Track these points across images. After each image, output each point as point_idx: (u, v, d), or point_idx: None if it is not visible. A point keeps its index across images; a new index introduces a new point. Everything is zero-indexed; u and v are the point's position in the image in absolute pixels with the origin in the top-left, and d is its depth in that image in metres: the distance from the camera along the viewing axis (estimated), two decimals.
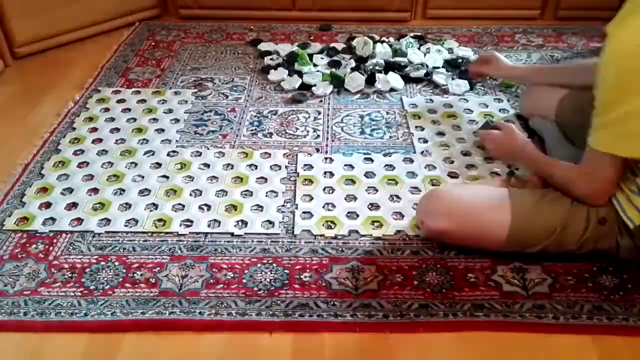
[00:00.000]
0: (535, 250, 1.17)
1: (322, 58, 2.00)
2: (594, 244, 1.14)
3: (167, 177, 1.46)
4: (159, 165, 1.51)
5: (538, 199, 1.17)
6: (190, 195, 1.40)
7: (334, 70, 1.91)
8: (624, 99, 0.99)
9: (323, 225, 1.31)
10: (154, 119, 1.72)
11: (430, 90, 1.86)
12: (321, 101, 1.82)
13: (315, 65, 1.97)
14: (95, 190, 1.42)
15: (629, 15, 1.00)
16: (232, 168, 1.50)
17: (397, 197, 1.40)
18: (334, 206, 1.37)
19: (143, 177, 1.47)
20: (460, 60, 1.99)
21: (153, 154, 1.56)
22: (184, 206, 1.37)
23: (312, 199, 1.39)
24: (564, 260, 1.20)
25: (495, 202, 1.18)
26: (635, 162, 1.07)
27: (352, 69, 1.92)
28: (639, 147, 1.02)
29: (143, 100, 1.82)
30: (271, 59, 2.05)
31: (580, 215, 1.13)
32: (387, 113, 1.75)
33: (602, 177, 1.10)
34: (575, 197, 1.15)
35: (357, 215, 1.34)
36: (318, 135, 1.65)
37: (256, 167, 1.50)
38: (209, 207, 1.36)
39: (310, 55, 2.02)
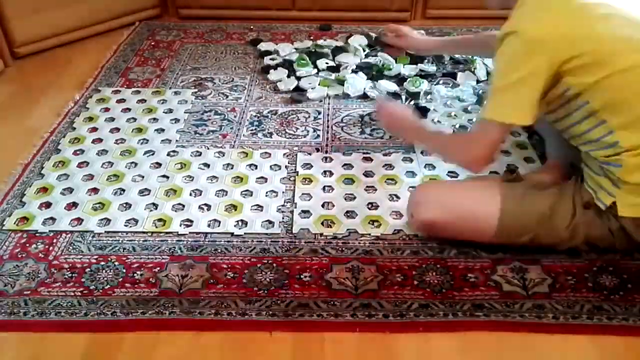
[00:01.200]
0: (526, 239, 1.18)
1: (326, 62, 1.99)
2: (586, 231, 1.15)
3: (167, 177, 1.47)
4: (158, 165, 1.51)
5: (526, 189, 1.19)
6: (190, 195, 1.40)
7: (338, 75, 1.90)
8: (512, 71, 1.07)
9: (322, 224, 1.31)
10: (154, 118, 1.72)
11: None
12: (321, 101, 1.82)
13: (316, 67, 1.97)
14: (95, 190, 1.42)
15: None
16: (232, 168, 1.51)
17: (396, 196, 1.40)
18: (332, 205, 1.37)
19: (143, 177, 1.47)
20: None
21: (153, 154, 1.56)
22: (184, 206, 1.37)
23: (311, 197, 1.39)
24: (564, 259, 1.20)
25: (486, 193, 1.20)
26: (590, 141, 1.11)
27: (354, 71, 1.92)
28: (521, 114, 1.08)
29: (143, 100, 1.82)
30: (271, 59, 2.06)
31: (566, 200, 1.15)
32: None
33: (482, 144, 1.14)
34: (454, 162, 1.30)
35: (356, 215, 1.34)
36: (318, 135, 1.65)
37: (256, 166, 1.51)
38: (209, 207, 1.36)
39: (315, 57, 2.02)
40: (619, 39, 1.05)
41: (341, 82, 1.87)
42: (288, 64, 2.00)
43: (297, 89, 1.87)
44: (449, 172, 1.47)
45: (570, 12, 1.07)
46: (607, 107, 1.06)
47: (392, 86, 1.82)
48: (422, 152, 1.56)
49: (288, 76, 1.92)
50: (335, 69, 1.97)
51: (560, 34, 1.04)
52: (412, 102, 1.78)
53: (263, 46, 2.16)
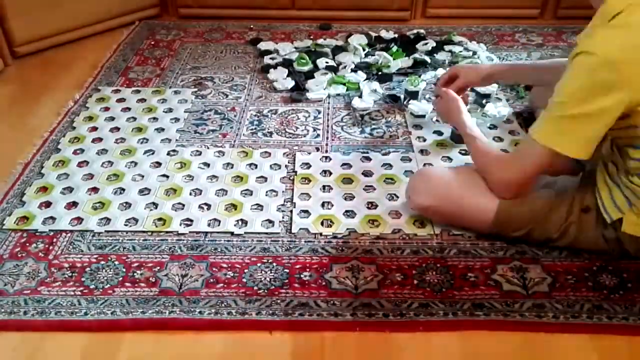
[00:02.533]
0: (519, 234, 1.20)
1: (327, 62, 1.99)
2: (577, 234, 1.16)
3: (167, 176, 1.47)
4: (158, 164, 1.51)
5: None
6: (190, 194, 1.40)
7: (350, 80, 1.88)
8: (582, 102, 0.99)
9: (321, 223, 1.31)
10: (154, 118, 1.72)
11: (431, 90, 1.87)
12: (321, 101, 1.82)
13: (315, 66, 1.97)
14: (95, 190, 1.42)
15: (596, 28, 1.03)
16: (231, 167, 1.51)
17: (395, 195, 1.40)
18: (331, 205, 1.37)
19: (143, 176, 1.47)
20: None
21: (153, 153, 1.56)
22: (183, 205, 1.37)
23: (310, 197, 1.39)
24: (564, 258, 1.21)
25: (485, 186, 1.20)
26: (624, 156, 1.07)
27: (352, 70, 1.92)
28: (580, 149, 1.03)
29: (143, 100, 1.82)
30: (271, 58, 2.05)
31: (564, 202, 1.16)
32: (387, 112, 1.75)
33: (523, 169, 1.11)
34: (486, 180, 1.19)
35: (355, 214, 1.34)
36: (318, 135, 1.65)
37: (256, 166, 1.50)
38: (209, 206, 1.36)
39: (315, 57, 2.02)
40: None
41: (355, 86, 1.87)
42: (288, 63, 2.00)
43: (296, 88, 1.87)
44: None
45: None
46: None
47: (424, 107, 1.73)
48: (420, 152, 1.56)
49: (288, 75, 1.92)
50: (335, 68, 1.97)
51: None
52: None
53: (263, 45, 2.16)
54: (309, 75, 1.93)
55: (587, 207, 1.14)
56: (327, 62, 1.98)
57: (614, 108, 0.98)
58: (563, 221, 1.16)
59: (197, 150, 1.57)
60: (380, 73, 1.92)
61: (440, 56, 2.05)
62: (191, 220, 1.32)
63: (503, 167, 1.15)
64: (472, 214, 1.22)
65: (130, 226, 1.30)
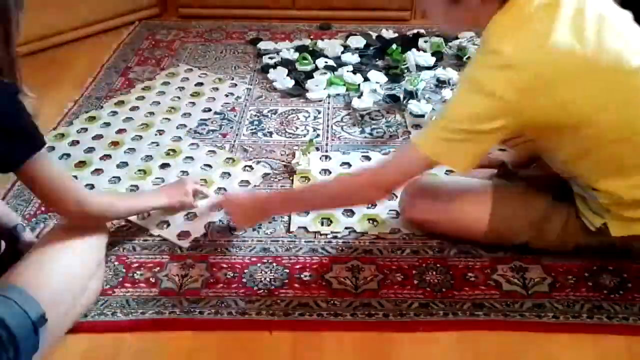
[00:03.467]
0: (516, 243, 1.19)
1: (326, 62, 1.99)
2: (576, 240, 1.15)
3: (163, 179, 1.47)
4: (163, 166, 1.51)
5: (519, 193, 1.18)
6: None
7: (348, 80, 1.87)
8: (470, 121, 0.98)
9: (319, 222, 1.31)
10: (154, 117, 1.72)
11: (430, 90, 1.87)
12: (321, 100, 1.82)
13: (316, 65, 1.98)
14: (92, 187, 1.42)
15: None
16: (232, 161, 1.52)
17: (394, 195, 1.39)
18: None
19: (138, 186, 1.46)
20: None
21: (152, 157, 1.55)
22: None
23: None
24: (564, 258, 1.20)
25: (477, 198, 1.19)
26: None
27: (351, 72, 1.92)
28: (462, 164, 1.02)
29: (142, 97, 1.82)
30: (270, 58, 2.06)
31: (560, 210, 1.15)
32: (387, 112, 1.75)
33: (399, 171, 1.09)
34: (356, 198, 1.17)
35: (354, 213, 1.34)
36: (318, 135, 1.65)
37: (252, 167, 1.50)
38: None
39: (315, 57, 2.02)
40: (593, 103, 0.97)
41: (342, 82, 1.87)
42: (287, 63, 2.00)
43: (297, 84, 1.87)
44: (446, 171, 1.47)
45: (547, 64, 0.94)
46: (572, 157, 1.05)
47: (424, 107, 1.71)
48: None
49: (288, 75, 1.92)
50: (334, 68, 1.97)
51: (527, 97, 0.94)
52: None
53: (262, 45, 2.16)
54: (309, 75, 1.93)
55: (569, 212, 1.14)
56: (326, 62, 1.98)
57: (500, 132, 0.99)
58: (559, 230, 1.15)
59: (196, 149, 1.57)
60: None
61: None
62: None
63: (377, 170, 1.13)
64: (466, 228, 1.20)
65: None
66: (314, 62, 1.98)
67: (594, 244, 1.15)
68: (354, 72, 1.92)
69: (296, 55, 2.03)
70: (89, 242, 1.08)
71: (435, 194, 1.23)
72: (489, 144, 1.03)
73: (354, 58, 2.02)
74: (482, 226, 1.17)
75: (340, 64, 2.00)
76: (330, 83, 1.87)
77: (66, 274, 1.01)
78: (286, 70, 1.94)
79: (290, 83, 1.86)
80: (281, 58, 2.05)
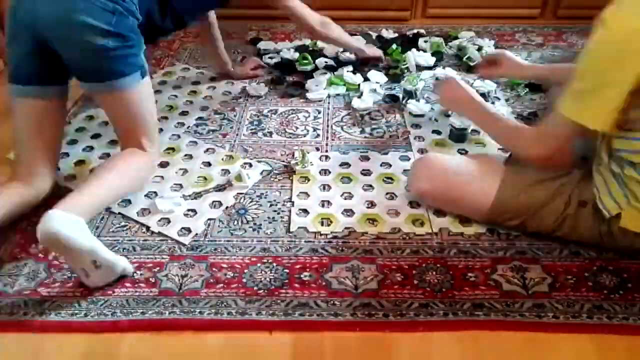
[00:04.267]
0: (514, 223, 1.22)
1: (326, 62, 2.00)
2: (573, 225, 1.17)
3: (163, 177, 1.47)
4: (162, 165, 1.51)
5: (527, 179, 1.20)
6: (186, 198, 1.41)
7: (349, 80, 1.88)
8: (597, 75, 1.02)
9: (319, 222, 1.31)
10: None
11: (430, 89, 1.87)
12: (321, 100, 1.82)
13: (315, 65, 1.98)
14: None
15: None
16: (231, 159, 1.52)
17: (394, 194, 1.40)
18: (330, 204, 1.37)
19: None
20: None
21: None
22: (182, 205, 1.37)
23: (308, 196, 1.39)
24: (564, 258, 1.21)
25: (486, 177, 1.23)
26: (615, 149, 1.10)
27: (351, 72, 1.92)
28: (602, 121, 1.04)
29: None
30: (270, 57, 2.06)
31: (563, 194, 1.17)
32: (387, 112, 1.75)
33: (556, 143, 1.12)
34: (519, 154, 1.22)
35: (354, 213, 1.34)
36: (318, 135, 1.65)
37: (251, 165, 1.51)
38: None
39: (315, 56, 2.02)
40: None
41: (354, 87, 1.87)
42: (286, 63, 2.01)
43: (295, 83, 1.87)
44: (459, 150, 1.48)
45: None
46: None
47: (423, 107, 1.73)
48: (418, 151, 1.56)
49: (285, 74, 1.94)
50: (334, 68, 1.97)
51: None
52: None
53: (262, 45, 2.16)
54: (309, 75, 1.93)
55: (584, 201, 1.15)
56: (326, 62, 1.98)
57: (627, 80, 0.99)
58: (559, 213, 1.17)
59: (196, 148, 1.57)
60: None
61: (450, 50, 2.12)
62: (189, 229, 1.32)
63: (537, 143, 1.16)
64: (470, 201, 1.24)
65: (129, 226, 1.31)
66: (314, 62, 1.98)
67: (589, 231, 1.16)
68: (354, 72, 1.92)
69: (296, 55, 2.03)
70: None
71: (442, 171, 1.28)
72: (620, 95, 1.01)
73: (352, 57, 2.02)
74: (486, 203, 1.21)
75: (341, 63, 2.00)
76: (330, 83, 1.87)
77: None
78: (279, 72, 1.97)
79: (263, 90, 1.85)
80: (281, 58, 2.05)
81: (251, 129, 1.67)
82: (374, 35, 2.23)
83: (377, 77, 1.89)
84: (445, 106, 1.62)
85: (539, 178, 1.19)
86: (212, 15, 1.80)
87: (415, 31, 2.25)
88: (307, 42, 2.18)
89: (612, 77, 1.00)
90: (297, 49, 2.11)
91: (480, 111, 1.34)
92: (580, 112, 1.05)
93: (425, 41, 2.13)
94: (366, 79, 1.89)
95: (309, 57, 1.98)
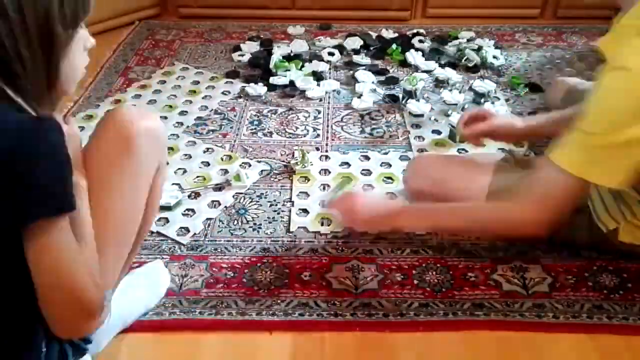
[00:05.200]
0: None
1: (309, 62, 2.00)
2: (568, 231, 1.14)
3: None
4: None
5: (519, 175, 1.14)
6: (190, 196, 1.40)
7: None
8: (613, 128, 0.86)
9: (319, 222, 1.31)
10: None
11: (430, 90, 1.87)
12: (321, 100, 1.82)
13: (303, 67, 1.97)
14: None
15: (633, 36, 0.86)
16: (230, 158, 1.52)
17: (394, 194, 1.40)
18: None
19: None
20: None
21: None
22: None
23: (308, 196, 1.39)
24: (564, 258, 1.21)
25: (477, 175, 1.22)
26: None
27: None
28: (613, 179, 0.90)
29: (139, 96, 1.82)
30: (240, 55, 2.07)
31: None
32: (387, 112, 1.75)
33: (555, 204, 0.93)
34: (513, 233, 1.08)
35: None
36: (318, 135, 1.65)
37: (250, 165, 1.50)
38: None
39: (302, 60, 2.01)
40: None
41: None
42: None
43: (292, 84, 1.87)
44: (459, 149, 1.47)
45: None
46: None
47: (422, 108, 1.73)
48: (418, 151, 1.56)
49: (261, 77, 1.92)
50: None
51: None
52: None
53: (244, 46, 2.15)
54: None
55: (580, 208, 1.12)
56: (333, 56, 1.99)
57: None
58: None
59: (196, 148, 1.57)
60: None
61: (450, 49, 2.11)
62: (188, 229, 1.32)
63: (530, 207, 0.94)
64: (465, 197, 1.18)
65: None
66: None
67: (586, 237, 1.16)
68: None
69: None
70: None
71: (435, 170, 1.28)
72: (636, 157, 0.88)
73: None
74: (481, 199, 1.16)
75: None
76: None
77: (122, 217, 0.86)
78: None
79: (262, 90, 1.84)
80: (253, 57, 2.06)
81: (251, 129, 1.67)
82: (374, 35, 2.23)
83: (365, 76, 1.90)
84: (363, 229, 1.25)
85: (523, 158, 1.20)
86: None
87: (415, 31, 2.25)
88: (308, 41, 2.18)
89: (632, 134, 0.84)
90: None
91: (426, 210, 1.13)
92: (591, 170, 0.89)
93: (421, 41, 2.13)
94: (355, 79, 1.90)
95: (286, 61, 1.95)
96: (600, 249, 1.19)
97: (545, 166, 0.93)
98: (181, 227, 1.30)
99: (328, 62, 2.02)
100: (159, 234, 1.28)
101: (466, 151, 1.55)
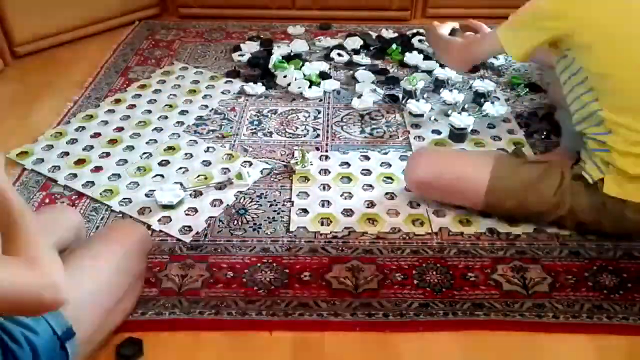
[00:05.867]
0: (513, 203, 1.22)
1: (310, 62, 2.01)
2: (572, 200, 1.18)
3: (163, 176, 1.47)
4: (163, 163, 1.51)
5: (520, 162, 1.25)
6: (190, 195, 1.40)
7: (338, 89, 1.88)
8: (535, 19, 1.19)
9: (319, 222, 1.31)
10: (152, 115, 1.72)
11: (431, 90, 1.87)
12: (321, 100, 1.82)
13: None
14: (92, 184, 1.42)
15: None
16: (230, 158, 1.52)
17: (394, 194, 1.40)
18: (329, 203, 1.37)
19: (138, 183, 1.46)
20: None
21: (151, 155, 1.56)
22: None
23: (308, 196, 1.39)
24: (564, 258, 1.21)
25: (479, 160, 1.28)
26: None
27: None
28: (519, 53, 1.22)
29: (139, 95, 1.82)
30: (240, 55, 2.07)
31: (555, 170, 1.20)
32: (387, 112, 1.75)
33: (479, 49, 1.38)
34: (445, 59, 1.57)
35: (353, 213, 1.34)
36: (318, 135, 1.65)
37: (251, 163, 1.50)
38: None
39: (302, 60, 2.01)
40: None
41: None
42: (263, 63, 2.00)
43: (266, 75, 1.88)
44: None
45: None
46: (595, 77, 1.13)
47: (422, 108, 1.73)
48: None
49: (261, 77, 1.93)
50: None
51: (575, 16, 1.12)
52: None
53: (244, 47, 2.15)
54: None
55: (578, 174, 1.18)
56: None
57: (552, 31, 1.16)
58: (557, 186, 1.18)
59: (195, 146, 1.57)
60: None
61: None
62: (190, 227, 1.32)
63: (464, 48, 1.42)
64: (466, 187, 1.26)
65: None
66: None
67: (587, 204, 1.17)
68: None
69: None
70: (129, 251, 1.03)
71: (437, 159, 1.32)
72: (541, 40, 1.18)
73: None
74: (482, 187, 1.22)
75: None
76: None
77: (100, 282, 0.95)
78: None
79: (260, 89, 1.85)
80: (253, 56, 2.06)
81: (251, 129, 1.67)
82: (373, 35, 2.23)
83: (365, 76, 1.91)
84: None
85: (530, 159, 1.26)
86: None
87: (415, 31, 2.25)
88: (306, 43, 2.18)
89: (544, 25, 1.16)
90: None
91: (444, 42, 1.54)
92: (512, 42, 1.23)
93: (420, 41, 2.13)
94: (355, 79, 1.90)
95: (285, 61, 1.96)
96: (603, 226, 1.20)
97: (493, 31, 1.31)
98: (184, 226, 1.30)
99: (331, 60, 2.03)
100: (160, 233, 1.28)
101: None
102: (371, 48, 2.13)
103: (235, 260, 1.21)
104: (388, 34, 2.23)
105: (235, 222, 1.32)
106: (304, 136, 1.64)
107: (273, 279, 1.17)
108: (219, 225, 1.31)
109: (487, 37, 1.37)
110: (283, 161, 1.52)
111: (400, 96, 1.79)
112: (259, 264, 1.20)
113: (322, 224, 1.31)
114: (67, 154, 1.55)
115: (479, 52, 1.39)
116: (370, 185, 1.43)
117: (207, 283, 1.16)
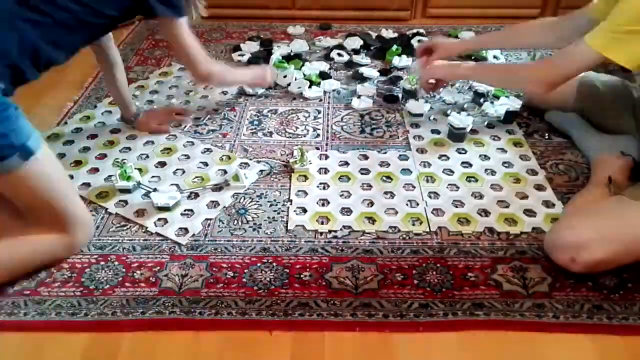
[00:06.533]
0: None
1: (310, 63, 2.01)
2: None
3: (160, 177, 1.47)
4: (159, 165, 1.51)
5: None
6: (190, 196, 1.40)
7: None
8: (635, 22, 1.12)
9: (317, 220, 1.31)
10: None
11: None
12: (321, 100, 1.82)
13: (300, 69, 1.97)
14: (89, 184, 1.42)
15: None
16: (229, 158, 1.52)
17: (392, 194, 1.40)
18: (328, 202, 1.37)
19: (139, 182, 1.46)
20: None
21: (148, 156, 1.56)
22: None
23: (306, 194, 1.39)
24: None
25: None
26: None
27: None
28: (625, 56, 1.15)
29: (135, 96, 1.82)
30: (240, 55, 2.07)
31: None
32: (387, 112, 1.75)
33: (567, 66, 1.25)
34: (524, 81, 1.39)
35: (351, 211, 1.34)
36: (318, 135, 1.65)
37: (248, 165, 1.50)
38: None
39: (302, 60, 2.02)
40: None
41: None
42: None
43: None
44: (444, 169, 1.47)
45: None
46: None
47: (421, 107, 1.73)
48: (417, 150, 1.56)
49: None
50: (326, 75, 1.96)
51: None
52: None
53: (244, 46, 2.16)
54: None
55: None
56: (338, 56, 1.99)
57: None
58: None
59: (194, 146, 1.57)
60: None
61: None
62: (187, 229, 1.32)
63: (545, 66, 1.32)
64: None
65: (129, 227, 1.31)
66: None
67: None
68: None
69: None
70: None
71: (604, 229, 1.11)
72: None
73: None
74: None
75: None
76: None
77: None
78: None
79: (260, 89, 1.85)
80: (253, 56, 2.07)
81: (251, 129, 1.67)
82: (373, 35, 2.23)
83: (370, 72, 1.92)
84: (439, 74, 1.60)
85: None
86: (114, 53, 1.51)
87: (415, 31, 2.25)
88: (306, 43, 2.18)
89: None
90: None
91: (473, 66, 1.53)
92: (612, 49, 1.15)
93: (420, 41, 2.13)
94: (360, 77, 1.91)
95: (285, 61, 1.97)
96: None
97: (576, 44, 1.23)
98: (180, 228, 1.30)
99: (332, 60, 2.03)
100: (158, 234, 1.28)
101: (465, 151, 1.55)
102: (371, 48, 2.13)
103: (235, 260, 1.21)
104: (388, 34, 2.23)
105: (235, 222, 1.32)
106: (304, 136, 1.64)
107: (273, 279, 1.17)
108: (218, 225, 1.31)
109: (577, 52, 1.22)
110: (283, 161, 1.52)
111: (400, 96, 1.79)
112: (258, 264, 1.20)
113: (320, 223, 1.31)
114: (63, 155, 1.55)
115: (566, 69, 1.26)
116: (368, 184, 1.43)
117: (206, 283, 1.16)
